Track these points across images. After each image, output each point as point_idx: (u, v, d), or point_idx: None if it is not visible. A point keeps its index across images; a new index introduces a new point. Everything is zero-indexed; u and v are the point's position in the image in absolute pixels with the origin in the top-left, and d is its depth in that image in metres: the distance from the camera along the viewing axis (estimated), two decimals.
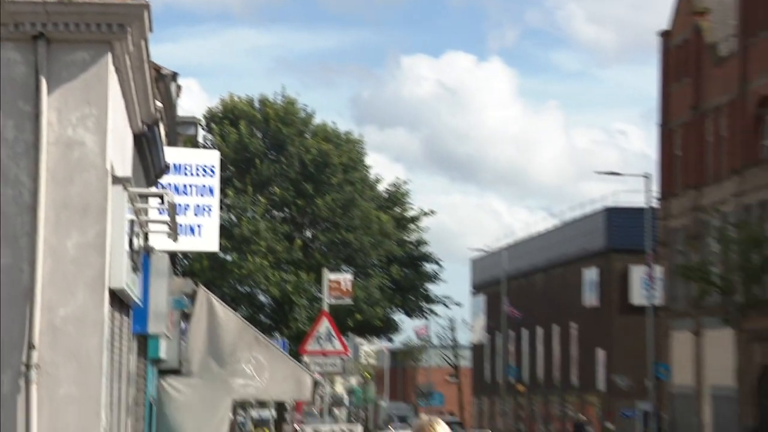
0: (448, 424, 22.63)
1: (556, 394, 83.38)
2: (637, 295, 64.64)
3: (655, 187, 63.16)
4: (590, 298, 75.81)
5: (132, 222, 12.93)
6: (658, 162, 66.96)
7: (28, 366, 11.49)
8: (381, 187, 54.82)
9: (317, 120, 52.50)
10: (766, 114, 55.71)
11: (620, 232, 70.95)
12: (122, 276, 12.44)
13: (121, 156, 12.56)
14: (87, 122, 11.54)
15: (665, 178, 65.22)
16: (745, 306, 48.99)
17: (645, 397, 62.51)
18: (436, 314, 61.87)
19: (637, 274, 63.57)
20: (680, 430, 61.98)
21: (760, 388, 53.19)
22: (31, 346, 11.50)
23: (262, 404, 64.27)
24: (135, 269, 14.04)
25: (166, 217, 14.89)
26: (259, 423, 72.94)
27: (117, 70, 11.94)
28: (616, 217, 72.30)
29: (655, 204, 63.04)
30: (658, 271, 60.23)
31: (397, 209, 54.73)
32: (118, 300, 13.31)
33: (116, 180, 11.85)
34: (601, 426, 71.56)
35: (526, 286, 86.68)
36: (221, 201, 39.32)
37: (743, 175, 56.38)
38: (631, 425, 63.36)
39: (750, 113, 56.84)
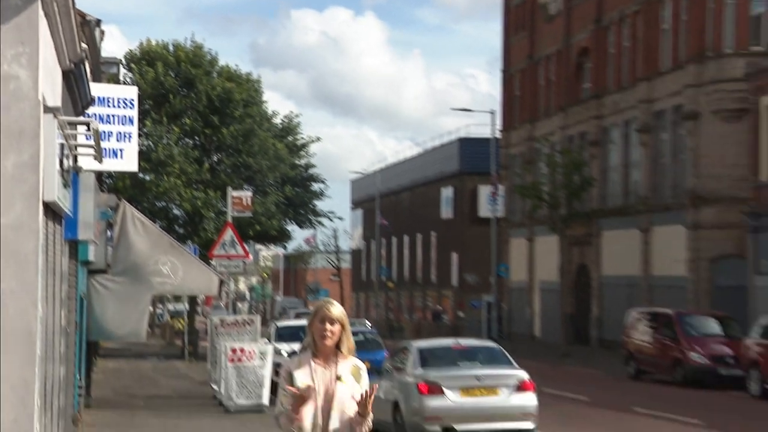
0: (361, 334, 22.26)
1: (418, 289, 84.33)
2: (484, 209, 65.42)
3: (499, 122, 63.94)
4: (446, 211, 76.52)
5: (62, 145, 12.78)
6: (501, 101, 67.92)
7: None
8: (276, 120, 54.62)
9: (221, 62, 52.16)
10: (585, 62, 56.95)
11: (470, 158, 71.50)
12: (54, 191, 12.32)
13: (51, 89, 12.40)
14: (21, 59, 11.38)
15: (506, 114, 66.18)
16: (567, 217, 50.10)
17: (489, 290, 63.48)
18: (322, 225, 61.83)
19: (484, 192, 64.27)
20: (516, 317, 63.51)
21: (577, 282, 54.78)
22: None
23: (177, 298, 63.72)
24: (65, 185, 13.87)
25: (92, 142, 14.67)
26: (175, 314, 72.24)
27: (46, 15, 11.73)
28: (467, 146, 72.87)
29: (498, 135, 63.73)
30: (501, 189, 61.03)
31: (290, 138, 54.62)
32: (51, 211, 13.17)
33: (47, 109, 11.70)
34: (454, 314, 72.55)
35: (395, 202, 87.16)
36: (140, 129, 39.03)
37: (567, 111, 57.65)
38: (478, 313, 64.21)
39: (572, 62, 58.14)
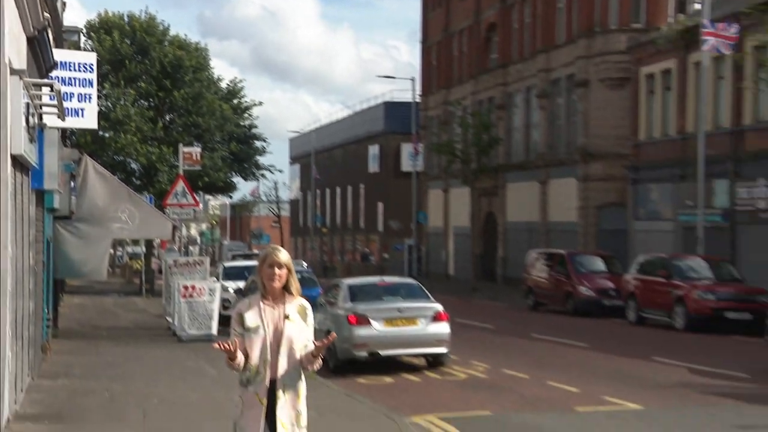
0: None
1: (349, 234, 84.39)
2: (406, 164, 65.41)
3: (418, 88, 63.87)
4: (373, 166, 76.40)
5: (27, 104, 12.59)
6: (420, 69, 67.87)
7: None
8: (222, 84, 54.24)
9: (172, 32, 51.68)
10: (493, 36, 56.87)
11: (394, 120, 71.33)
12: (21, 145, 12.15)
13: (16, 53, 12.16)
14: None
15: (425, 81, 66.08)
16: (477, 171, 50.28)
17: (410, 235, 63.71)
18: (264, 178, 61.75)
19: (406, 149, 64.23)
20: (432, 258, 63.77)
21: (485, 228, 55.12)
22: None
23: (135, 242, 63.12)
24: (31, 140, 13.68)
25: (55, 102, 14.43)
26: (133, 256, 71.82)
27: None
28: (391, 109, 72.71)
29: (418, 99, 63.71)
30: (420, 147, 61.00)
31: (235, 101, 54.30)
32: (19, 163, 12.99)
33: (13, 71, 11.52)
34: (380, 256, 72.71)
35: (328, 158, 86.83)
36: (99, 92, 38.46)
37: (477, 79, 57.75)
38: (400, 255, 64.44)
39: (482, 35, 58.08)
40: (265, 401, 6.55)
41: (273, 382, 6.57)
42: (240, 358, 6.52)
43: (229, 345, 6.44)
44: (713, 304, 27.34)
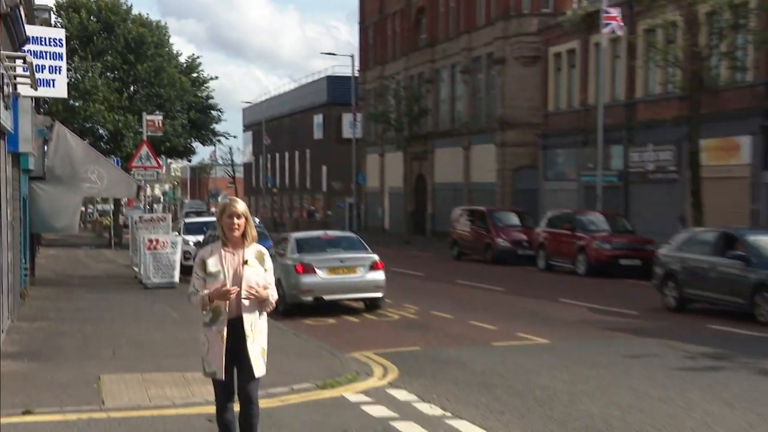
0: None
1: (296, 193, 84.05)
2: (346, 132, 64.95)
3: (357, 64, 63.48)
4: (317, 134, 75.88)
5: (2, 75, 12.34)
6: (358, 47, 67.27)
7: None
8: (181, 59, 53.75)
9: (135, 11, 51.16)
10: (422, 18, 56.61)
11: (335, 92, 70.87)
12: None
13: None
14: None
15: (362, 58, 65.68)
16: (409, 138, 50.24)
17: (350, 195, 63.63)
18: (220, 143, 61.47)
19: (346, 118, 63.74)
20: (370, 214, 63.76)
21: (416, 188, 55.03)
22: None
23: (104, 200, 62.72)
24: (6, 108, 13.50)
25: (27, 73, 14.17)
26: (102, 213, 71.24)
27: None
28: (333, 82, 72.19)
29: (356, 74, 63.29)
30: (359, 117, 60.81)
31: (193, 75, 53.89)
32: None
33: None
34: (324, 213, 72.54)
35: (277, 126, 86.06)
36: (69, 65, 38.15)
37: (408, 56, 57.50)
38: (342, 212, 64.35)
39: (412, 18, 57.82)
40: (226, 339, 6.43)
41: (234, 321, 6.45)
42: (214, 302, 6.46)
43: (218, 290, 6.41)
44: (609, 252, 27.86)
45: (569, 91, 41.30)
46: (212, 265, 6.46)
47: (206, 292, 6.42)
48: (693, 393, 10.60)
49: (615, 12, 32.26)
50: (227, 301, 6.43)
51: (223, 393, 6.54)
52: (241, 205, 6.56)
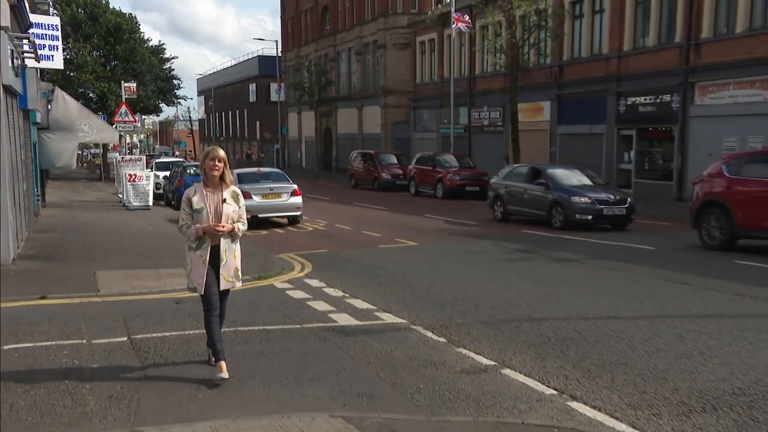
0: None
1: (238, 141, 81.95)
2: (273, 97, 63.39)
3: (280, 47, 61.86)
4: (252, 98, 73.67)
5: (12, 51, 11.74)
6: (281, 35, 65.46)
7: None
8: (151, 44, 51.86)
9: (112, 5, 49.04)
10: (326, 14, 55.39)
11: (265, 67, 68.78)
12: (9, 78, 11.46)
13: (2, 15, 11.32)
14: None
15: (284, 43, 63.96)
16: (318, 101, 49.46)
17: (277, 142, 62.69)
18: (180, 104, 60.08)
19: (273, 87, 62.03)
20: (291, 156, 62.96)
21: (324, 137, 54.42)
22: None
23: (95, 146, 60.59)
24: (17, 75, 12.89)
25: (31, 50, 13.50)
26: (95, 155, 68.74)
27: None
28: (263, 60, 69.87)
29: (280, 55, 61.79)
30: (282, 86, 59.61)
31: (159, 55, 52.06)
32: (9, 91, 12.19)
33: (0, 27, 10.67)
34: (259, 155, 71.12)
35: (222, 92, 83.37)
36: (64, 45, 36.58)
37: (317, 42, 56.32)
38: (272, 155, 63.33)
39: (319, 14, 56.37)
40: (207, 261, 5.87)
41: (214, 248, 5.90)
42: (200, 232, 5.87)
43: (224, 226, 5.85)
44: (458, 182, 28.37)
45: (431, 69, 41.37)
46: (196, 202, 5.83)
47: (199, 225, 5.80)
48: (511, 275, 11.01)
49: (460, 15, 32.50)
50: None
51: (207, 303, 5.94)
52: (221, 152, 5.90)
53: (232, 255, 5.99)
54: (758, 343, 7.04)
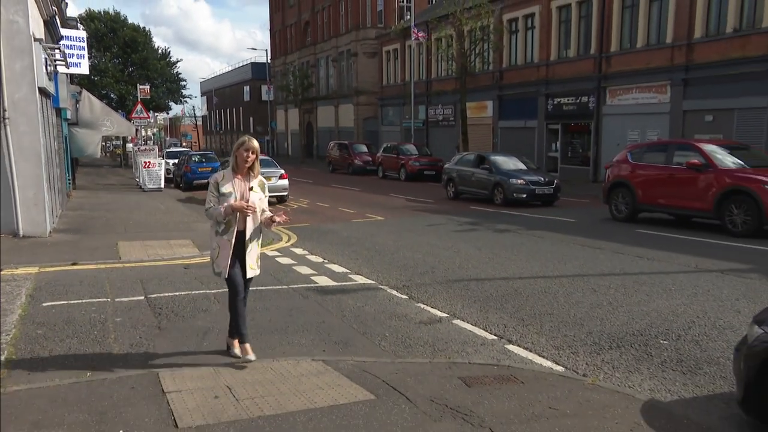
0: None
1: (234, 134, 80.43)
2: (264, 97, 62.34)
3: (269, 55, 60.77)
4: (246, 97, 72.42)
5: (45, 59, 11.39)
6: (270, 45, 64.23)
7: (4, 118, 10.15)
8: (160, 51, 50.39)
9: (129, 21, 47.73)
10: (308, 28, 54.37)
11: (257, 72, 67.44)
12: (43, 81, 11.11)
13: (37, 29, 10.98)
14: (18, 12, 9.95)
15: (273, 52, 62.81)
16: (301, 101, 49.00)
17: (268, 134, 61.80)
18: (186, 103, 59.22)
19: (264, 88, 60.95)
20: (280, 146, 62.11)
21: (307, 130, 53.80)
22: (4, 110, 10.09)
23: (117, 138, 59.10)
24: (50, 79, 12.50)
25: (62, 58, 13.09)
26: (116, 146, 66.99)
27: None
28: (256, 67, 68.49)
29: (269, 61, 60.72)
30: (272, 88, 58.72)
31: (167, 60, 50.77)
32: (43, 92, 11.81)
33: (35, 39, 10.43)
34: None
35: (221, 93, 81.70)
36: (90, 55, 35.47)
37: (300, 51, 55.38)
38: (262, 145, 62.25)
39: (302, 27, 55.44)
40: (232, 247, 4.90)
41: (240, 233, 4.95)
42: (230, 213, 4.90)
43: (248, 205, 4.87)
44: (418, 167, 28.33)
45: (395, 73, 41.05)
46: (224, 187, 4.90)
47: (227, 204, 4.84)
48: (461, 244, 11.08)
49: (417, 29, 32.23)
50: (237, 218, 4.92)
51: (232, 287, 4.96)
52: (255, 143, 4.96)
53: (256, 243, 5.08)
54: (653, 295, 7.23)
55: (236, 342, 5.13)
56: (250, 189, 5.01)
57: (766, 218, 10.84)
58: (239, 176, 5.00)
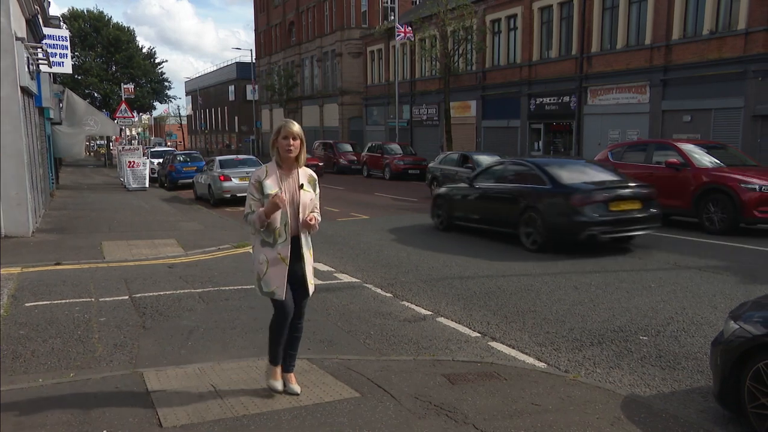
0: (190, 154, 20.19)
1: (219, 133, 80.00)
2: (249, 96, 62.08)
3: (254, 55, 60.43)
4: (231, 97, 71.96)
5: (28, 57, 11.21)
6: (254, 45, 63.94)
7: None
8: (144, 51, 49.89)
9: (113, 21, 47.18)
10: (293, 28, 54.13)
11: (242, 72, 67.10)
12: (26, 80, 10.95)
13: (19, 28, 10.81)
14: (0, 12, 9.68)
15: (258, 52, 62.52)
16: (286, 100, 48.98)
17: (253, 134, 61.49)
18: (171, 102, 58.57)
19: (249, 88, 60.60)
20: (265, 145, 61.34)
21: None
22: None
23: (100, 138, 58.39)
24: (32, 78, 12.32)
25: (44, 57, 12.88)
26: (100, 145, 66.28)
27: None
28: (240, 66, 68.11)
29: (254, 61, 60.38)
30: (257, 87, 58.39)
31: (151, 60, 50.25)
32: (26, 91, 11.65)
33: (17, 38, 10.30)
34: (237, 145, 69.57)
35: (206, 93, 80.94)
36: (72, 53, 35.08)
37: (285, 51, 55.18)
38: (248, 144, 62.13)
39: (287, 27, 55.20)
40: (288, 260, 3.97)
41: (294, 241, 3.99)
42: (276, 218, 3.95)
43: (273, 200, 3.83)
44: (402, 166, 28.34)
45: (379, 73, 41.06)
46: (269, 187, 3.90)
47: (261, 210, 3.90)
48: (444, 242, 11.05)
49: (403, 28, 32.20)
50: (288, 223, 3.95)
51: (282, 310, 4.04)
52: (296, 126, 3.95)
53: (309, 252, 4.11)
54: (633, 292, 7.30)
55: (277, 370, 4.24)
56: (300, 187, 3.99)
57: (741, 216, 11.00)
58: (285, 170, 4.00)
